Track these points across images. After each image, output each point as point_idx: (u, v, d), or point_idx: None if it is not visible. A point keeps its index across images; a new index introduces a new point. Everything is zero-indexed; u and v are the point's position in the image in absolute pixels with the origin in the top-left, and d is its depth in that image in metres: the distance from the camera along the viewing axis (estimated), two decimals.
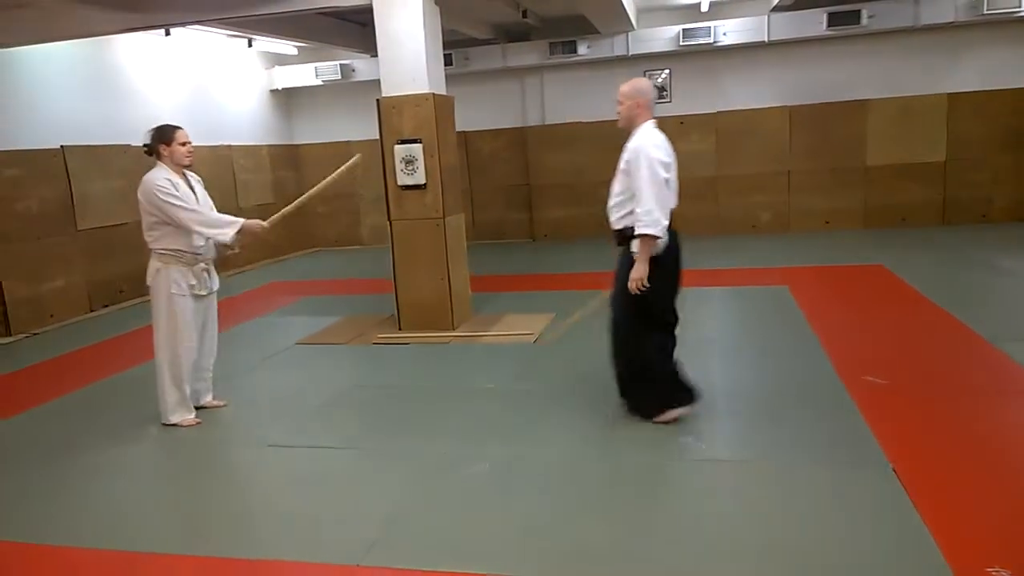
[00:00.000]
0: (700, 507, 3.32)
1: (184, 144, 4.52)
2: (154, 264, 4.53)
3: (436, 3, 6.52)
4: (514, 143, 12.06)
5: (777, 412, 4.29)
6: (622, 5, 8.84)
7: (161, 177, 4.42)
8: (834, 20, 9.94)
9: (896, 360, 5.07)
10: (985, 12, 9.41)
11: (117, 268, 8.75)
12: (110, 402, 5.32)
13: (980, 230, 10.09)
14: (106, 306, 8.56)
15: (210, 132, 10.59)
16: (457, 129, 7.07)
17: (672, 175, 4.02)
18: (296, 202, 5.04)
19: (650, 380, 4.15)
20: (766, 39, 10.40)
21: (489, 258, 10.42)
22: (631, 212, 3.98)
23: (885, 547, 2.89)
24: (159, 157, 4.52)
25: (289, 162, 12.67)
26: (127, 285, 8.87)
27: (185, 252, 4.51)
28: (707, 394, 4.39)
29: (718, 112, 11.09)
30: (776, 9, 10.21)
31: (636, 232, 3.92)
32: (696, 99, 11.16)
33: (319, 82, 12.01)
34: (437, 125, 6.33)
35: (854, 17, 9.85)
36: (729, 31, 10.48)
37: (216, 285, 4.78)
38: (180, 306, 4.53)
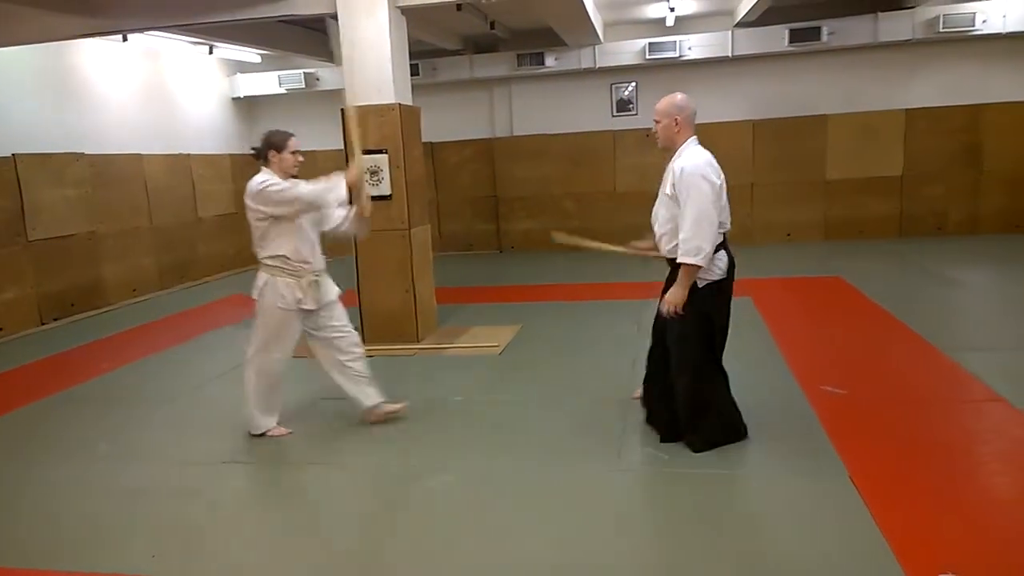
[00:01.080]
0: (661, 519, 3.31)
1: (294, 153, 4.36)
2: (261, 277, 4.33)
3: (402, 13, 6.49)
4: (481, 154, 12.05)
5: None
6: (589, 18, 8.89)
7: (263, 176, 4.30)
8: (795, 36, 10.12)
9: (854, 370, 5.13)
10: (941, 30, 9.65)
11: (69, 280, 8.53)
12: (60, 418, 5.16)
13: (935, 243, 10.29)
14: (57, 319, 8.33)
15: (168, 140, 10.41)
16: (424, 139, 7.04)
17: (723, 194, 3.78)
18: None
19: (716, 412, 3.93)
20: (730, 54, 10.55)
21: (455, 269, 10.37)
22: None
23: (842, 553, 2.91)
24: (266, 163, 4.37)
25: (252, 172, 12.26)
26: (79, 298, 8.66)
27: (291, 260, 4.28)
28: None
29: None
30: (740, 25, 10.36)
31: (677, 260, 3.71)
32: None
33: (282, 90, 11.87)
34: (403, 136, 6.29)
35: (815, 33, 10.03)
36: (694, 46, 10.61)
37: (332, 295, 4.51)
38: (283, 319, 4.33)
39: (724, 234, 3.82)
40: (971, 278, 7.92)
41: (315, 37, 10.51)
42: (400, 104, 6.30)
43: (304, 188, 4.23)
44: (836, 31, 10.01)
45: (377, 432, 4.55)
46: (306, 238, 4.34)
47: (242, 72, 12.07)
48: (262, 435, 4.48)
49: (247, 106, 12.56)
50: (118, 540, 3.42)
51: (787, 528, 3.15)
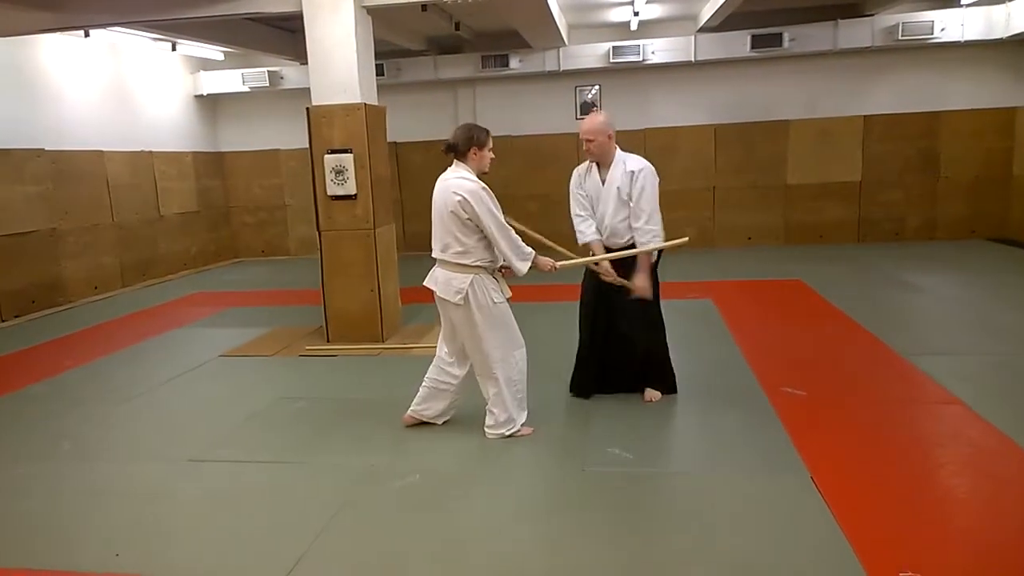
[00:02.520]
0: (625, 519, 3.35)
1: (491, 150, 4.20)
2: (461, 277, 4.07)
3: (368, 13, 6.48)
4: (446, 155, 12.00)
5: (701, 422, 4.39)
6: (554, 21, 8.95)
7: (480, 184, 4.02)
8: (757, 42, 10.27)
9: (814, 372, 5.23)
10: (900, 38, 9.87)
11: (30, 277, 8.37)
12: (20, 416, 5.08)
13: (893, 248, 10.53)
14: (18, 316, 8.17)
15: (130, 137, 10.27)
16: (388, 139, 7.03)
17: None
18: (599, 257, 4.49)
19: (669, 363, 4.79)
20: (693, 59, 10.68)
21: (419, 270, 10.24)
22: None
23: (803, 552, 2.97)
24: (463, 159, 4.11)
25: (215, 170, 12.36)
26: (40, 295, 8.50)
27: (492, 262, 4.14)
28: (633, 405, 4.58)
29: (646, 128, 11.30)
30: (702, 30, 10.50)
31: (642, 243, 4.37)
32: (625, 115, 11.29)
33: (246, 88, 11.76)
34: (368, 135, 6.28)
35: (777, 40, 10.19)
36: (657, 50, 10.72)
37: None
38: (509, 312, 4.20)
39: None
40: (928, 283, 8.10)
41: (280, 35, 10.41)
42: (366, 104, 6.29)
43: (504, 235, 4.02)
44: (797, 37, 10.19)
45: (340, 432, 4.55)
46: None
47: (205, 70, 11.93)
48: (512, 435, 4.27)
49: (210, 104, 12.42)
50: (81, 538, 3.38)
51: (749, 527, 3.20)
